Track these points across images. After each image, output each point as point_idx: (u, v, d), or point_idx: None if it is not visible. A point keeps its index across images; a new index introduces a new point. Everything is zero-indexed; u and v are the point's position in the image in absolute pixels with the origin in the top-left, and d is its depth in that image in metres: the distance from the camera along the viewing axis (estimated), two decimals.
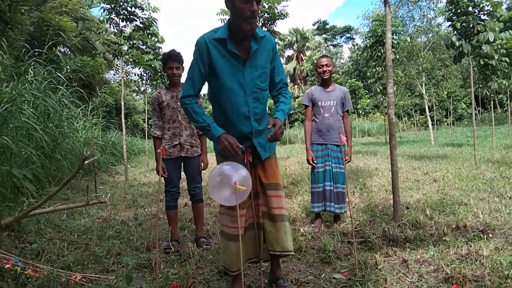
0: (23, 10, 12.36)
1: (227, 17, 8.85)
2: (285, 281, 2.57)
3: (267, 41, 2.44)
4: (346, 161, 4.06)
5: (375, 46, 13.71)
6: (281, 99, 2.54)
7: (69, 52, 18.70)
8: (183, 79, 3.82)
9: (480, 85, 12.07)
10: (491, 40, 8.16)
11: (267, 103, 2.68)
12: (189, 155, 3.70)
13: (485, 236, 3.35)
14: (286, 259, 3.15)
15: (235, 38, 2.34)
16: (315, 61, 17.33)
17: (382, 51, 13.19)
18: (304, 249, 3.33)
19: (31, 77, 6.71)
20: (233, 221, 2.40)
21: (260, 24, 8.88)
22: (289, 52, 47.54)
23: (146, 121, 14.19)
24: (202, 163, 3.81)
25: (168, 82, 3.86)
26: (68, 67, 14.28)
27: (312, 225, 4.18)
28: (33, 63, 7.04)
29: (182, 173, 3.83)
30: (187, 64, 3.78)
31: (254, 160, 2.49)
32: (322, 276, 2.76)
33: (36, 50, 8.21)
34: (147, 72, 11.73)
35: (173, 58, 3.68)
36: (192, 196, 3.81)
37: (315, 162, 4.07)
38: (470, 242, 3.20)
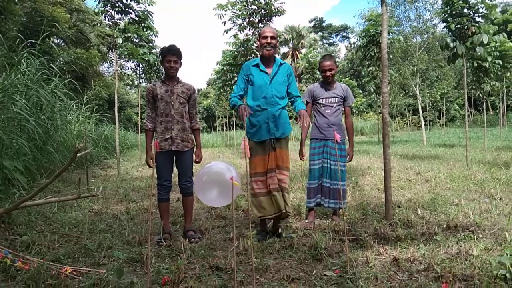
0: (16, 0, 12.21)
1: (223, 12, 8.87)
2: (283, 229, 3.71)
3: (284, 67, 3.74)
4: (349, 160, 4.24)
5: (368, 46, 13.73)
6: (297, 101, 3.78)
7: (63, 44, 18.53)
8: (179, 74, 3.84)
9: (473, 87, 12.16)
10: (485, 42, 8.20)
11: (283, 103, 3.73)
12: (179, 149, 3.72)
13: (475, 236, 3.38)
14: (278, 256, 3.19)
15: (263, 63, 3.68)
16: (310, 59, 17.33)
17: (376, 51, 13.23)
18: (295, 245, 3.34)
19: (24, 68, 6.63)
20: (258, 184, 3.63)
21: (257, 20, 8.86)
22: (284, 50, 47.53)
23: (139, 115, 14.10)
24: (197, 157, 3.89)
25: (164, 75, 3.85)
26: (61, 58, 14.15)
27: (306, 220, 4.21)
28: (26, 53, 6.95)
29: (174, 168, 3.85)
30: (185, 59, 3.78)
31: (272, 145, 3.64)
32: (313, 273, 2.77)
33: (30, 40, 8.11)
34: (140, 65, 11.65)
35: (173, 52, 3.69)
36: (183, 189, 3.84)
37: (304, 158, 4.21)
38: (460, 242, 3.23)
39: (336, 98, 4.18)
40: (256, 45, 9.28)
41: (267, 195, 3.64)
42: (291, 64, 44.79)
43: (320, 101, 4.19)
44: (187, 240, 3.58)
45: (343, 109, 4.28)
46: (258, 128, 3.64)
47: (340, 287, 2.53)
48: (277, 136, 3.65)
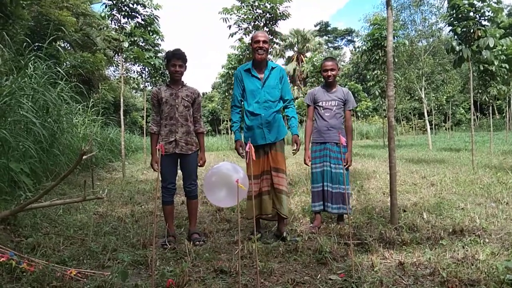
0: (24, 4, 12.32)
1: (229, 16, 8.90)
2: (287, 233, 3.69)
3: (277, 70, 3.80)
4: (346, 166, 4.09)
5: (373, 50, 13.72)
6: (290, 114, 3.89)
7: (69, 48, 18.66)
8: (184, 78, 3.86)
9: (479, 91, 12.09)
10: (491, 46, 8.16)
11: (277, 107, 3.79)
12: (183, 152, 3.73)
13: (481, 240, 3.36)
14: (282, 259, 3.18)
15: (256, 67, 3.75)
16: (315, 63, 17.33)
17: (380, 54, 13.20)
18: (300, 249, 3.33)
19: (31, 71, 6.69)
20: (250, 187, 3.46)
21: (262, 24, 8.88)
22: (289, 53, 47.55)
23: (145, 119, 14.15)
24: (201, 160, 3.90)
25: (169, 79, 3.87)
26: (68, 62, 14.26)
27: (311, 224, 4.20)
28: (33, 57, 7.01)
29: (179, 171, 3.86)
30: (190, 63, 3.80)
31: (267, 148, 3.73)
32: (318, 277, 2.76)
33: (37, 44, 8.18)
34: (146, 69, 11.69)
35: (178, 56, 3.71)
36: (187, 192, 3.85)
37: (309, 163, 4.14)
38: (466, 246, 3.20)
39: (336, 101, 4.16)
40: None
41: (257, 197, 3.71)
42: (296, 68, 44.98)
43: (320, 103, 4.19)
44: (191, 243, 3.59)
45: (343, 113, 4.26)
46: (253, 133, 3.73)
47: None
48: (272, 141, 3.73)
